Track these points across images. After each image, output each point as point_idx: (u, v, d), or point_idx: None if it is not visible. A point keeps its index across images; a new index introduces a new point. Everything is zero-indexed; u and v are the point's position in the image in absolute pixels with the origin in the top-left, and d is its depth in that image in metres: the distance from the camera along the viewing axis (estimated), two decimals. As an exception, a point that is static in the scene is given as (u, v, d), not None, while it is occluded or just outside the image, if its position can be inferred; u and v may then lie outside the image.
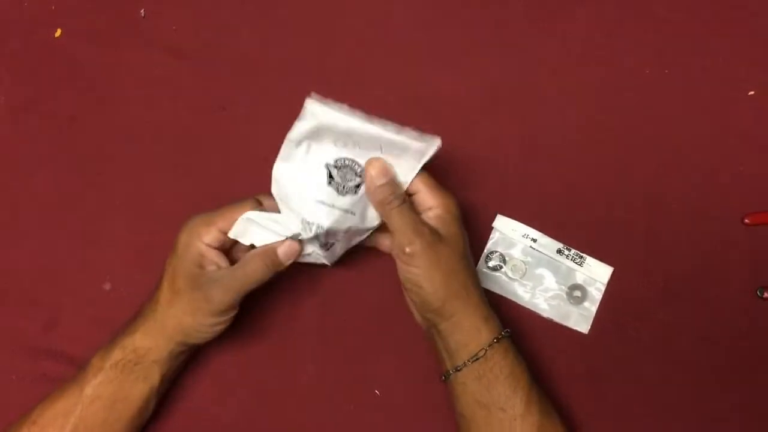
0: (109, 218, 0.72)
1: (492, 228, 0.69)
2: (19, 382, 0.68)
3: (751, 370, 0.65)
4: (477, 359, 0.57)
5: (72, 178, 0.73)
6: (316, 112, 0.56)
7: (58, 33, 0.76)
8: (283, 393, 0.67)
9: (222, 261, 0.59)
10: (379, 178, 0.57)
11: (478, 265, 0.69)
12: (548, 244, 0.69)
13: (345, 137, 0.57)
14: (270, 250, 0.59)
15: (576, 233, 0.69)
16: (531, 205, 0.70)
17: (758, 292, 0.66)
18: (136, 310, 0.62)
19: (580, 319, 0.67)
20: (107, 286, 0.70)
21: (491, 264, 0.69)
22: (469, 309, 0.58)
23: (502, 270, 0.69)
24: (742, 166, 0.69)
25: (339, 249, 0.62)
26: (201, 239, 0.58)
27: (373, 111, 0.72)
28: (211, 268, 0.59)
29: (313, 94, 0.56)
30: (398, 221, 0.58)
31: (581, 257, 0.68)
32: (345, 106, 0.56)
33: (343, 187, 0.59)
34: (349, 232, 0.60)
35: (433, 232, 0.57)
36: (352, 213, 0.59)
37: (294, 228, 0.59)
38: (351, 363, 0.67)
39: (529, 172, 0.70)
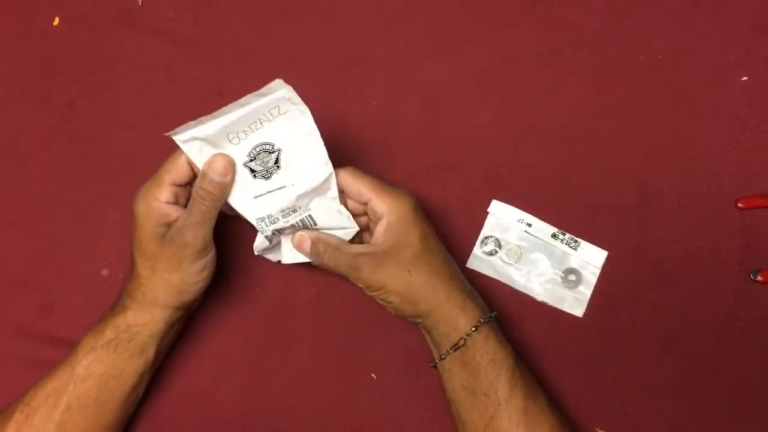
0: (107, 204, 0.72)
1: (487, 213, 0.70)
2: (16, 368, 0.68)
3: (743, 352, 0.66)
4: (458, 348, 0.58)
5: (69, 165, 0.73)
6: (183, 138, 0.58)
7: (56, 21, 0.77)
8: (280, 376, 0.67)
9: (173, 212, 0.60)
10: (302, 249, 0.60)
11: (474, 250, 0.69)
12: (543, 229, 0.69)
13: (229, 134, 0.58)
14: (204, 172, 0.58)
15: (570, 218, 0.69)
16: (526, 190, 0.70)
17: (751, 275, 0.67)
18: (117, 295, 0.62)
19: (575, 303, 0.67)
20: (104, 272, 0.70)
21: (486, 249, 0.69)
22: (443, 303, 0.59)
23: (498, 255, 0.69)
24: (735, 150, 0.69)
25: (310, 218, 0.61)
26: (157, 200, 0.59)
27: (367, 98, 0.73)
28: (172, 213, 0.59)
29: (176, 130, 0.58)
30: (336, 269, 0.60)
31: (576, 241, 0.68)
32: (200, 118, 0.58)
33: (267, 171, 0.59)
34: (304, 199, 0.60)
35: (371, 254, 0.58)
36: (291, 185, 0.59)
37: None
38: (347, 346, 0.68)
39: (524, 158, 0.71)
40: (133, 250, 0.60)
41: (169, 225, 0.59)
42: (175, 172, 0.59)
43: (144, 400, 0.65)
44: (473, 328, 0.58)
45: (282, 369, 0.68)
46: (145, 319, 0.59)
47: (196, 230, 0.58)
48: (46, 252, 0.71)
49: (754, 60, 0.71)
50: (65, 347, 0.67)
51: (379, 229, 0.59)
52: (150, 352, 0.60)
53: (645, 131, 0.70)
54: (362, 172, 0.60)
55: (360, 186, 0.60)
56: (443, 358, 0.59)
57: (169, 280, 0.59)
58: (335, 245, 0.60)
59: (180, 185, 0.60)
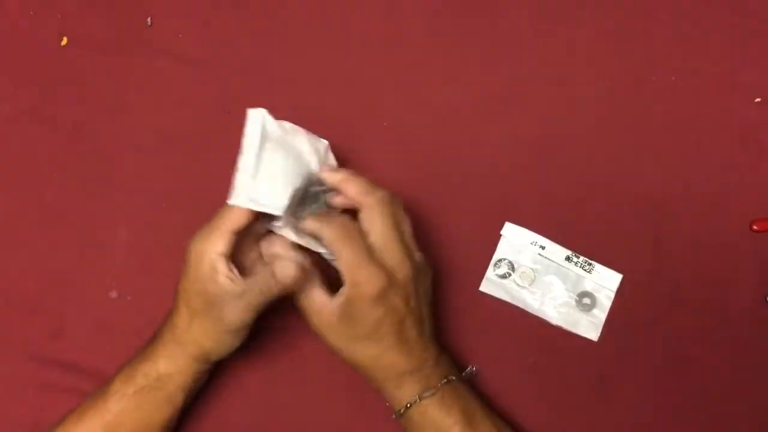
0: (115, 226, 0.71)
1: (500, 235, 0.69)
2: (25, 391, 0.67)
3: (760, 376, 0.65)
4: (401, 416, 0.59)
5: (77, 186, 0.73)
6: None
7: (65, 41, 0.76)
8: (294, 399, 0.67)
9: (234, 271, 0.57)
10: (284, 280, 0.58)
11: (487, 273, 0.69)
12: (557, 252, 0.68)
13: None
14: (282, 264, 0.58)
15: (584, 240, 0.69)
16: (539, 213, 0.70)
17: (767, 298, 0.66)
18: (153, 333, 0.61)
19: (590, 327, 0.67)
20: (113, 294, 0.70)
21: (500, 272, 0.69)
22: (379, 377, 0.59)
23: (511, 278, 0.69)
24: (750, 172, 0.69)
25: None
26: (214, 248, 0.56)
27: (379, 119, 0.73)
28: (224, 280, 0.56)
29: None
30: (304, 298, 0.59)
31: (590, 264, 0.68)
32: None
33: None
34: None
35: (335, 313, 0.57)
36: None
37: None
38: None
39: (537, 180, 0.70)
40: (178, 293, 0.58)
41: (215, 281, 0.56)
42: (231, 219, 0.57)
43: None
44: (408, 405, 0.58)
45: (296, 392, 0.67)
46: (173, 369, 0.58)
47: (242, 312, 0.57)
48: (54, 274, 0.71)
49: (768, 81, 0.71)
50: (74, 371, 0.67)
51: (341, 293, 0.57)
52: (179, 401, 0.59)
53: (659, 153, 0.70)
54: (348, 233, 0.57)
55: (333, 250, 0.57)
56: (394, 418, 0.60)
57: (201, 341, 0.58)
58: (314, 280, 0.59)
59: (238, 232, 0.57)
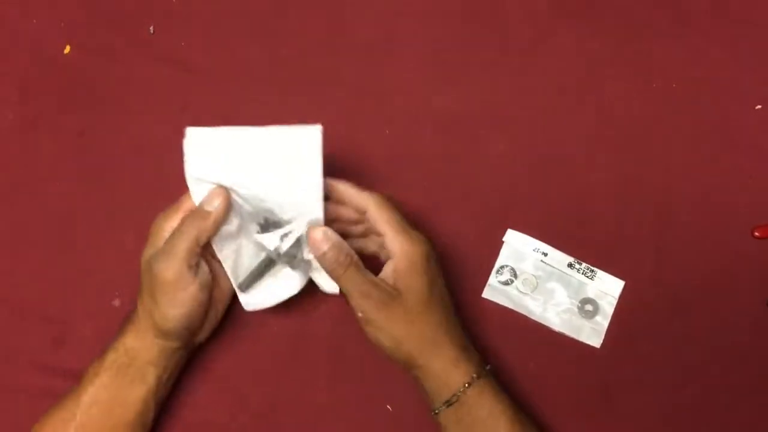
0: (119, 234, 0.71)
1: (503, 242, 0.69)
2: (28, 399, 0.67)
3: (762, 382, 0.65)
4: (450, 404, 0.58)
5: (81, 194, 0.73)
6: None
7: (67, 49, 0.77)
8: (296, 409, 0.67)
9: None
10: (323, 245, 0.58)
11: (489, 279, 0.69)
12: (559, 258, 0.69)
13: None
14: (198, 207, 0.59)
15: (587, 247, 0.69)
16: (541, 219, 0.70)
17: (768, 305, 0.67)
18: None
19: (592, 333, 0.67)
20: (116, 302, 0.70)
21: (502, 278, 0.69)
22: (437, 356, 0.58)
23: (513, 284, 0.69)
24: (751, 179, 0.69)
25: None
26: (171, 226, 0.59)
27: (381, 126, 0.73)
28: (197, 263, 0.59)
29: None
30: (346, 286, 0.59)
31: (592, 271, 0.68)
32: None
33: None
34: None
35: (384, 291, 0.58)
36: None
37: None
38: (362, 378, 0.67)
39: (540, 187, 0.71)
40: (142, 269, 0.60)
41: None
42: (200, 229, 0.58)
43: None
44: (466, 384, 0.57)
45: (298, 401, 0.67)
46: (141, 344, 0.59)
47: (167, 261, 0.57)
48: (58, 282, 0.71)
49: (768, 88, 0.71)
50: (77, 379, 0.67)
51: (387, 270, 0.59)
52: (150, 380, 0.59)
53: (660, 160, 0.70)
54: (389, 204, 0.60)
55: (379, 217, 0.59)
56: (436, 413, 0.59)
57: (149, 310, 0.58)
58: (357, 263, 0.59)
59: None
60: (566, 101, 0.72)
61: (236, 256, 0.61)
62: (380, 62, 0.75)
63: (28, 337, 0.69)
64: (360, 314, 0.58)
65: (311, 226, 0.59)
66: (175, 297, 0.57)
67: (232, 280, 0.61)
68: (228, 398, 0.67)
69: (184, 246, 0.57)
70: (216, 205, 0.57)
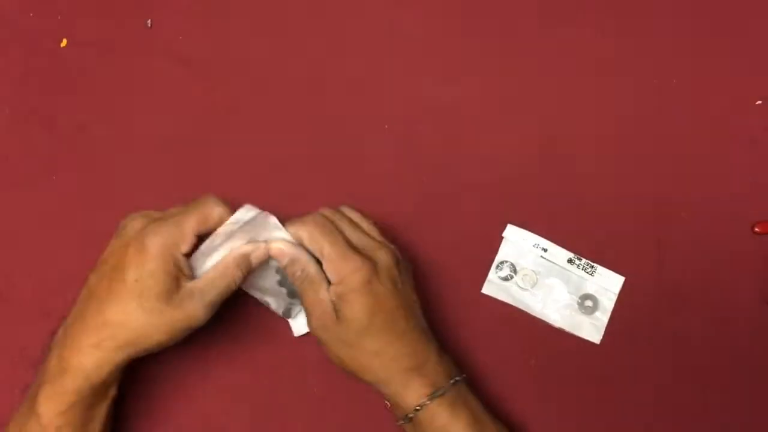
0: (115, 227, 0.71)
1: (502, 237, 0.69)
2: (24, 396, 0.67)
3: (762, 379, 0.65)
4: (408, 422, 0.57)
5: (78, 188, 0.72)
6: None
7: (64, 43, 0.76)
8: (292, 406, 0.67)
9: (189, 269, 0.56)
10: (282, 260, 0.58)
11: (489, 275, 0.68)
12: (559, 254, 0.68)
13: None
14: (245, 255, 0.57)
15: (587, 243, 0.69)
16: (541, 215, 0.69)
17: (769, 302, 0.67)
18: (61, 331, 0.57)
19: (592, 329, 0.67)
20: (114, 298, 0.69)
21: (502, 274, 0.69)
22: (383, 381, 0.58)
23: (513, 280, 0.68)
24: (751, 174, 0.69)
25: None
26: (179, 249, 0.55)
27: (380, 121, 0.73)
28: (184, 280, 0.55)
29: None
30: (301, 300, 0.59)
31: (592, 267, 0.68)
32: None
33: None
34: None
35: (327, 312, 0.57)
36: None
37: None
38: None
39: (540, 182, 0.70)
40: (117, 290, 0.54)
41: (178, 281, 0.55)
42: (204, 222, 0.56)
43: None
44: (417, 407, 0.56)
45: (294, 399, 0.67)
46: (104, 372, 0.55)
47: (207, 308, 0.56)
48: (55, 277, 0.70)
49: (769, 84, 0.71)
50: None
51: (330, 291, 0.58)
52: (113, 393, 0.57)
53: (660, 155, 0.70)
54: (324, 228, 0.57)
55: (314, 248, 0.57)
56: (399, 425, 0.59)
57: (151, 336, 0.55)
58: (311, 278, 0.57)
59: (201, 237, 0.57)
60: (566, 96, 0.72)
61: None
62: (380, 56, 0.75)
63: (26, 332, 0.69)
64: (309, 324, 0.59)
65: (271, 240, 0.58)
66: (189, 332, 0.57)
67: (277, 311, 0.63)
68: (223, 397, 0.67)
69: (224, 297, 0.57)
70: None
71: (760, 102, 0.71)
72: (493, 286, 0.68)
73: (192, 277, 0.56)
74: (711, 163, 0.70)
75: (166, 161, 0.73)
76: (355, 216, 0.62)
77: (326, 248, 0.57)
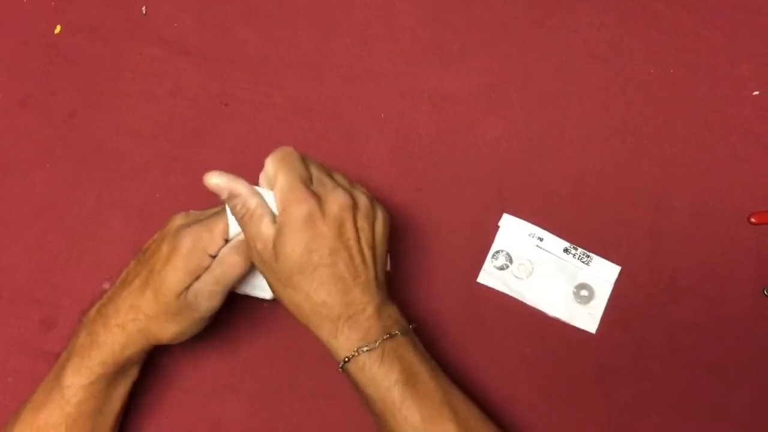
0: (109, 215, 0.71)
1: (498, 227, 0.69)
2: (17, 384, 0.67)
3: (757, 368, 0.65)
4: (342, 369, 0.56)
5: (71, 175, 0.72)
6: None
7: (58, 29, 0.76)
8: (288, 394, 0.66)
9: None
10: (222, 193, 0.56)
11: (485, 264, 0.68)
12: (555, 243, 0.68)
13: None
14: (244, 242, 0.57)
15: (582, 232, 0.68)
16: (537, 204, 0.69)
17: (764, 291, 0.66)
18: (96, 307, 0.59)
19: (588, 319, 0.67)
20: (106, 285, 0.69)
21: (497, 263, 0.68)
22: (314, 324, 0.56)
23: (509, 269, 0.68)
24: (747, 164, 0.69)
25: None
26: (206, 251, 0.56)
27: (376, 109, 0.73)
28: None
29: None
30: (245, 234, 0.56)
31: (588, 256, 0.68)
32: None
33: None
34: None
35: (268, 247, 0.55)
36: None
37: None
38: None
39: (535, 171, 0.70)
40: (149, 275, 0.57)
41: (196, 279, 0.57)
42: (223, 224, 0.57)
43: (150, 421, 0.64)
44: (346, 359, 0.55)
45: (290, 387, 0.66)
46: (132, 352, 0.58)
47: (214, 299, 0.57)
48: (47, 264, 0.70)
49: (766, 74, 0.71)
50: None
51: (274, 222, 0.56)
52: (134, 374, 0.60)
53: (657, 145, 0.70)
54: (287, 161, 0.56)
55: (271, 177, 0.56)
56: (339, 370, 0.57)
57: (165, 329, 0.57)
58: (259, 215, 0.55)
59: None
60: (562, 86, 0.72)
61: None
62: (375, 44, 0.74)
63: (17, 319, 0.68)
64: (255, 264, 0.57)
65: (210, 175, 0.56)
66: (197, 330, 0.59)
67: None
68: (219, 384, 0.67)
69: (230, 286, 0.58)
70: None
71: (757, 92, 0.71)
72: (488, 276, 0.68)
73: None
74: (707, 152, 0.70)
75: (159, 149, 0.72)
76: (334, 172, 0.59)
77: (280, 179, 0.55)
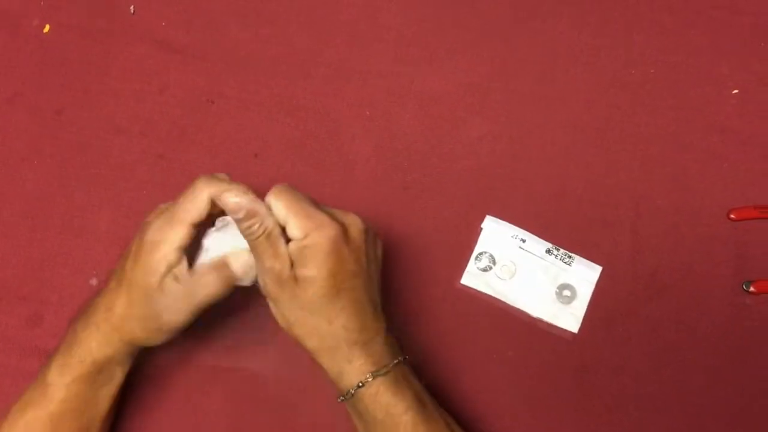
0: (96, 212, 0.71)
1: (481, 228, 0.69)
2: (3, 379, 0.67)
3: (738, 364, 0.66)
4: (347, 400, 0.55)
5: (58, 172, 0.72)
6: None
7: (47, 28, 0.76)
8: (274, 385, 0.67)
9: (184, 267, 0.55)
10: (238, 213, 0.53)
11: (468, 266, 0.69)
12: (537, 245, 0.69)
13: None
14: (223, 263, 0.56)
15: (564, 233, 0.69)
16: (519, 206, 0.70)
17: (743, 286, 0.67)
18: (79, 310, 0.59)
19: (570, 319, 0.67)
20: (93, 281, 0.69)
21: (480, 265, 0.69)
22: (327, 350, 0.55)
23: (492, 270, 0.69)
24: (727, 162, 0.70)
25: None
26: (173, 244, 0.54)
27: (361, 108, 0.73)
28: (169, 279, 0.54)
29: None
30: (254, 255, 0.55)
31: (570, 257, 0.68)
32: None
33: None
34: None
35: (286, 267, 0.54)
36: None
37: None
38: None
39: (517, 173, 0.71)
40: (121, 275, 0.55)
41: (164, 277, 0.54)
42: (194, 210, 0.54)
43: (133, 414, 0.64)
44: (360, 384, 0.54)
45: (276, 377, 0.67)
46: (110, 351, 0.56)
47: (179, 315, 0.55)
48: (34, 261, 0.70)
49: (746, 73, 0.72)
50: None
51: (291, 246, 0.54)
52: (119, 377, 0.58)
53: (638, 145, 0.71)
54: (289, 191, 0.55)
55: (281, 205, 0.54)
56: (340, 401, 0.56)
57: (134, 331, 0.56)
58: (270, 233, 0.53)
59: (198, 224, 0.55)
60: (545, 86, 0.73)
61: None
62: (362, 43, 0.75)
63: (4, 316, 0.69)
64: (262, 284, 0.55)
65: (228, 194, 0.54)
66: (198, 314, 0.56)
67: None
68: (201, 377, 0.67)
69: (202, 308, 0.56)
70: (247, 275, 0.57)
71: (736, 91, 0.72)
72: (472, 277, 0.69)
73: (190, 267, 0.55)
74: (688, 151, 0.70)
75: (147, 147, 0.73)
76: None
77: (294, 205, 0.54)
